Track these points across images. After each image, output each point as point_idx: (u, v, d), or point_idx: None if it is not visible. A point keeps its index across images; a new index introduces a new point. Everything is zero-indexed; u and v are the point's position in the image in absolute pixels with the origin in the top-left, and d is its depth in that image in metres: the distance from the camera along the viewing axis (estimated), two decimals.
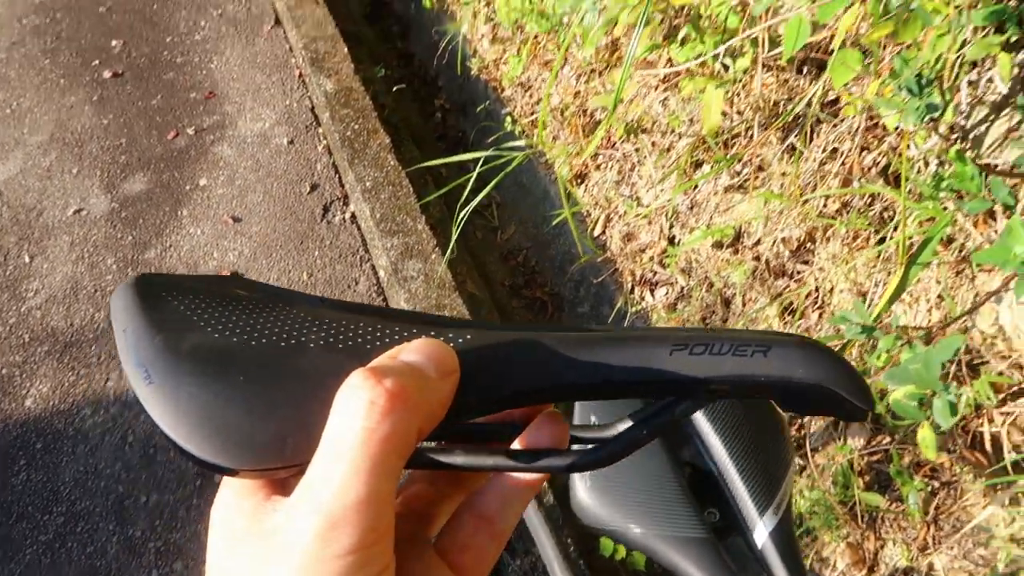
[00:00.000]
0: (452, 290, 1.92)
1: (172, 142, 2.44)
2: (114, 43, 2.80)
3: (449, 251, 1.92)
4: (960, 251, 1.31)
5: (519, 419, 0.33)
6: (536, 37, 2.21)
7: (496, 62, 2.49)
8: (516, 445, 0.32)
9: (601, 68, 2.01)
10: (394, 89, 2.75)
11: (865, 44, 1.05)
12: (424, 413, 0.27)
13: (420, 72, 2.98)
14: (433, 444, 0.31)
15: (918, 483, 1.27)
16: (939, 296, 1.34)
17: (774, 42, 1.42)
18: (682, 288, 1.78)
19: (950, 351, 0.76)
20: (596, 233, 2.01)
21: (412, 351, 0.28)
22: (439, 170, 2.37)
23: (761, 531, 0.49)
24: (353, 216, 2.23)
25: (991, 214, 1.26)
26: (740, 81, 1.55)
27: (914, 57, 0.86)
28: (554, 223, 2.09)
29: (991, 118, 1.27)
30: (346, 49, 2.63)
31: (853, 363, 0.86)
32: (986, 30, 0.97)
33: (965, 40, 0.97)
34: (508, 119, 2.28)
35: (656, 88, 1.86)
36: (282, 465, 0.27)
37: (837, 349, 1.03)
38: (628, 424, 0.32)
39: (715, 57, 1.49)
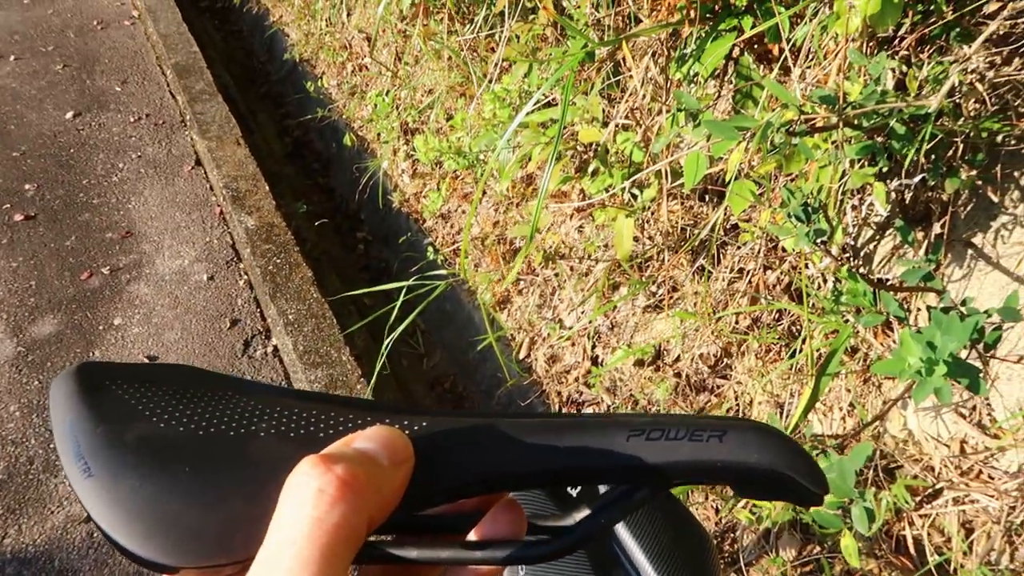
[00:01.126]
0: None
1: (85, 283, 2.38)
2: (27, 187, 2.76)
3: (374, 379, 1.91)
4: (865, 360, 1.38)
5: (475, 509, 0.32)
6: (455, 172, 2.30)
7: (417, 195, 2.57)
8: (472, 536, 0.31)
9: (518, 199, 2.10)
10: (316, 224, 2.79)
11: (756, 176, 1.14)
12: (376, 502, 0.26)
13: (342, 206, 3.04)
14: (385, 537, 0.29)
15: None
16: (851, 404, 1.40)
17: (677, 173, 1.52)
18: (608, 407, 1.80)
19: (861, 459, 0.80)
20: (521, 356, 2.03)
21: (365, 438, 0.27)
22: (363, 300, 2.38)
23: None
24: (275, 349, 2.19)
25: (889, 325, 1.35)
26: (648, 209, 1.65)
27: (799, 188, 0.95)
28: (479, 348, 2.11)
29: (878, 237, 1.38)
30: (267, 187, 2.67)
31: None
32: (861, 162, 1.07)
33: (845, 171, 1.07)
34: (430, 249, 2.33)
35: (572, 216, 1.95)
36: (226, 561, 0.26)
37: None
38: (586, 512, 0.30)
39: (624, 188, 1.59)
